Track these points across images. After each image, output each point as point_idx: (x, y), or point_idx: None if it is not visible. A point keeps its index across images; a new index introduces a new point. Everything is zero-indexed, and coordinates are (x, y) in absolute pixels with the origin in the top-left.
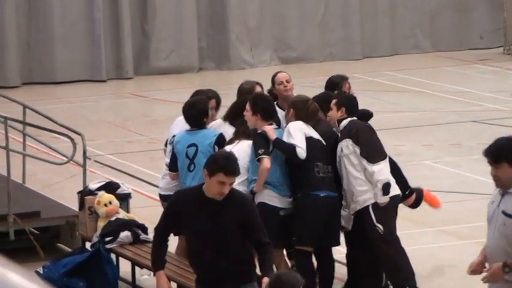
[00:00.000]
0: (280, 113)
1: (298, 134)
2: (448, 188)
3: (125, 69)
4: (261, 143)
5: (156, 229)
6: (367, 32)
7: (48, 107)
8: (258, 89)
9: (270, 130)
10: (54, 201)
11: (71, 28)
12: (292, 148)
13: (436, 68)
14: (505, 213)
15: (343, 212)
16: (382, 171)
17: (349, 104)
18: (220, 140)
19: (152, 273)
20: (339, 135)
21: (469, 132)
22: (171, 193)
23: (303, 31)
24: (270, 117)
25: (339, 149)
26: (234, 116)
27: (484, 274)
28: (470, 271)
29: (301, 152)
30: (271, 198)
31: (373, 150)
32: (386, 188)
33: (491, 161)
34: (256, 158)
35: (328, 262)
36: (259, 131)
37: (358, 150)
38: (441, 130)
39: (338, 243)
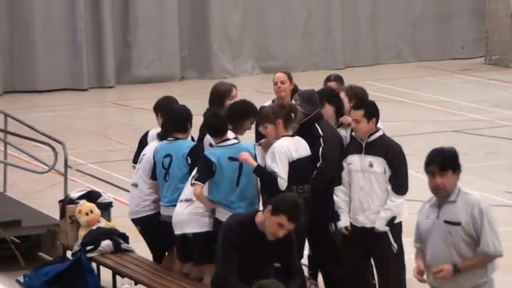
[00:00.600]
0: None
1: (283, 160)
2: (429, 197)
3: (106, 78)
4: (200, 167)
5: (225, 281)
6: (349, 41)
7: (30, 116)
8: (233, 91)
9: (249, 158)
10: (35, 210)
11: (53, 37)
12: (274, 179)
13: (417, 78)
14: (448, 222)
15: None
16: (398, 206)
17: (378, 113)
18: (193, 152)
19: (133, 282)
20: (363, 144)
21: (450, 142)
22: (144, 215)
23: (285, 40)
24: (220, 133)
25: (366, 162)
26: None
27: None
28: (419, 276)
29: (283, 183)
30: (223, 215)
31: (401, 181)
32: (391, 220)
33: (436, 170)
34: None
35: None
36: (204, 153)
37: (389, 173)
38: (422, 140)
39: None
